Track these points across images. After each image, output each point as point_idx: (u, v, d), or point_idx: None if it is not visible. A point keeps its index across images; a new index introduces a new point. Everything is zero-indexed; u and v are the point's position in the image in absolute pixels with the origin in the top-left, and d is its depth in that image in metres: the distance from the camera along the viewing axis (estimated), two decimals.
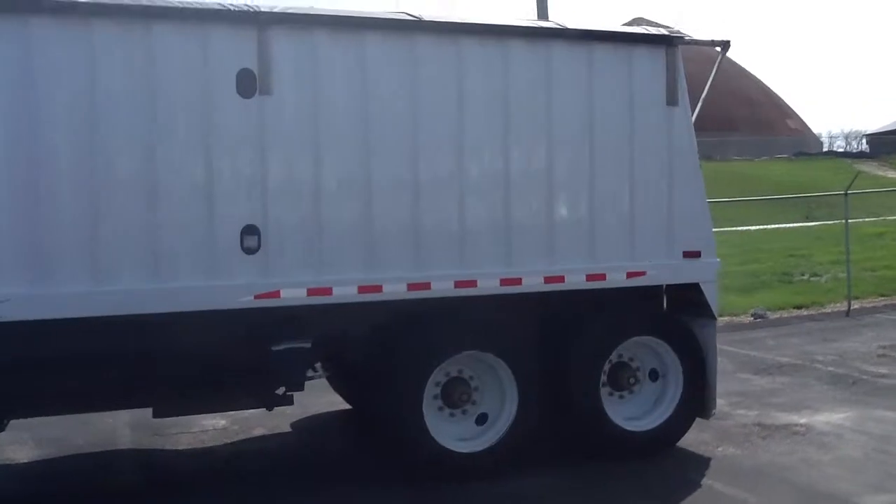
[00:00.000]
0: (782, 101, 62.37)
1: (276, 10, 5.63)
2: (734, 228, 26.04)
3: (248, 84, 5.55)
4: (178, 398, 5.98)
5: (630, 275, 6.55)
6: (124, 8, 5.31)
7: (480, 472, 6.16)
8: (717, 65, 7.07)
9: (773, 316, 13.85)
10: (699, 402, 6.86)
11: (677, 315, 6.92)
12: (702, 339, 6.83)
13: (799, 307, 14.41)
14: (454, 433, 6.32)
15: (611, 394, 6.80)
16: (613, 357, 6.76)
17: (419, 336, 6.10)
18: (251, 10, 5.54)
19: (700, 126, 6.96)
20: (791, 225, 25.89)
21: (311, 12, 5.71)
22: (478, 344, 6.21)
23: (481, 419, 6.39)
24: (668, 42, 6.60)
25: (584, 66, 6.39)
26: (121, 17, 5.31)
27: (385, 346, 6.07)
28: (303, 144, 5.71)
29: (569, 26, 6.35)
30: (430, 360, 6.07)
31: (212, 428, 7.94)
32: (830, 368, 9.88)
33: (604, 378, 6.76)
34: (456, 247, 6.09)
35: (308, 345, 5.89)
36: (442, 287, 6.02)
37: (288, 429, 7.91)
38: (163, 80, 5.39)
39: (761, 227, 26.27)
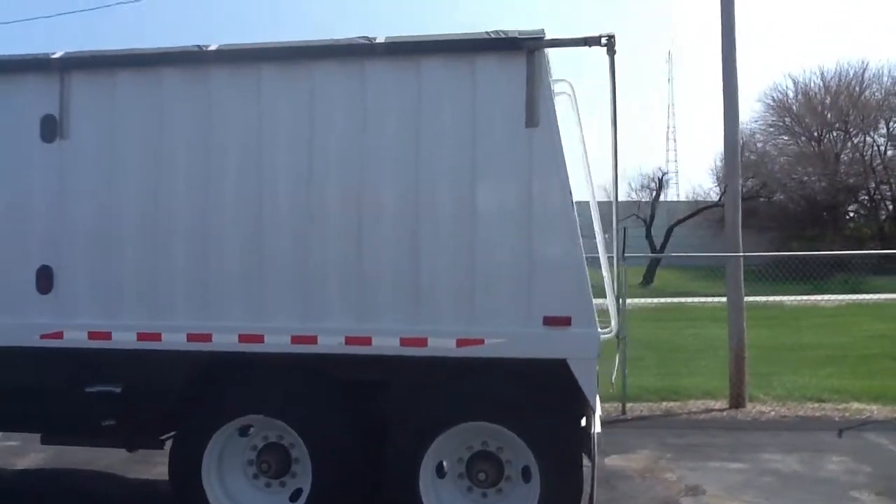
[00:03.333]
0: None
1: (73, 54, 5.71)
2: None
3: (50, 130, 5.72)
4: (47, 430, 6.26)
5: (462, 343, 5.21)
6: None
7: None
8: (610, 68, 5.30)
9: None
10: None
11: (531, 398, 5.30)
12: (573, 435, 5.16)
13: None
14: None
15: (470, 489, 5.49)
16: (476, 444, 5.46)
17: (208, 394, 5.60)
18: (51, 56, 5.70)
19: None
20: None
21: (106, 53, 5.68)
22: (263, 408, 5.50)
23: (296, 495, 5.62)
24: (527, 46, 5.17)
25: (410, 86, 5.31)
26: None
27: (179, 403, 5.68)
28: (95, 188, 5.69)
29: (379, 40, 5.33)
30: (211, 422, 5.54)
31: None
32: None
33: (461, 469, 5.49)
34: (244, 296, 5.48)
35: (118, 390, 5.76)
36: (225, 340, 5.47)
37: None
38: None
39: None
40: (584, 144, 5.99)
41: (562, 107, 6.19)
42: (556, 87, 6.20)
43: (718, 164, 43.48)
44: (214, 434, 5.53)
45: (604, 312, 7.61)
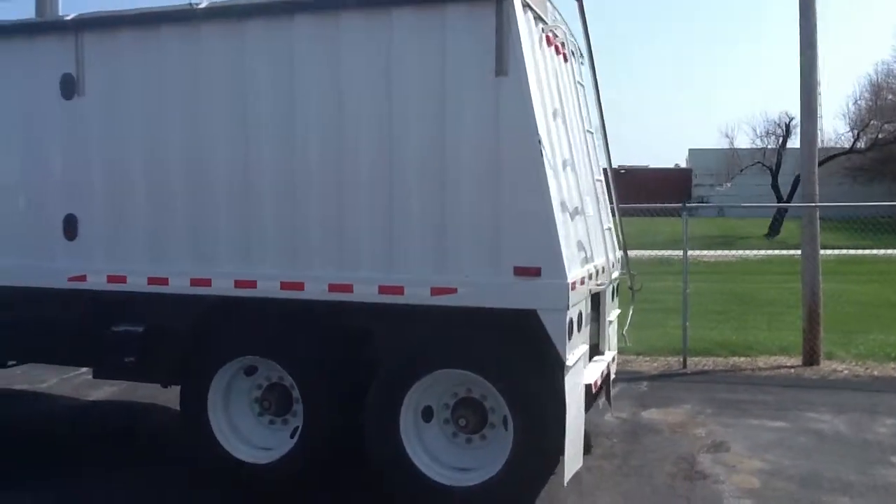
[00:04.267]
0: None
1: (84, 15, 6.06)
2: None
3: (69, 87, 6.13)
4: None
5: (436, 291, 5.27)
6: None
7: (266, 484, 5.78)
8: (580, 13, 5.09)
9: None
10: (537, 466, 5.20)
11: (504, 347, 5.28)
12: (544, 387, 5.14)
13: None
14: (265, 442, 5.99)
15: (455, 434, 5.61)
16: (461, 391, 5.56)
17: (210, 335, 5.92)
18: (65, 18, 6.08)
19: None
20: None
21: (110, 13, 5.99)
22: (258, 349, 5.78)
23: (296, 432, 5.90)
24: None
25: (382, 38, 5.33)
26: None
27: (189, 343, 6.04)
28: (108, 141, 6.07)
29: None
30: (214, 360, 5.87)
31: None
32: None
33: (446, 415, 5.62)
34: (239, 245, 5.74)
35: (140, 329, 6.20)
36: (222, 286, 5.76)
37: None
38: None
39: None
40: (578, 95, 5.81)
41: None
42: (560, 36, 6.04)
43: (851, 107, 40.58)
44: (218, 372, 5.85)
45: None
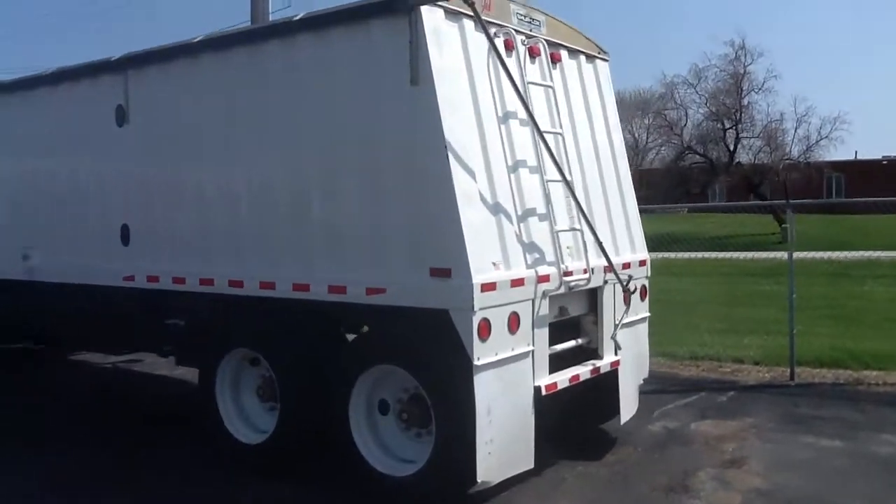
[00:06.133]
0: None
1: (128, 54, 7.14)
2: None
3: (120, 116, 7.27)
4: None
5: (370, 291, 5.59)
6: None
7: (251, 462, 6.45)
8: (479, 21, 5.09)
9: None
10: (451, 463, 5.33)
11: (425, 345, 5.45)
12: (457, 385, 5.27)
13: None
14: (262, 425, 6.65)
15: (407, 428, 5.92)
16: (411, 388, 5.85)
17: (210, 329, 6.72)
18: (117, 58, 7.22)
19: None
20: None
21: (147, 50, 7.00)
22: (244, 342, 6.45)
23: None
24: (405, 7, 5.31)
25: (324, 54, 5.81)
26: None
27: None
28: (147, 160, 7.10)
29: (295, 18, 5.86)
30: (215, 351, 6.64)
31: None
32: None
33: (400, 409, 5.94)
34: (233, 250, 6.46)
35: (182, 323, 7.21)
36: (221, 284, 6.52)
37: None
38: (76, 121, 7.69)
39: None
40: (522, 98, 5.82)
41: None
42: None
43: None
44: (221, 362, 6.60)
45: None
